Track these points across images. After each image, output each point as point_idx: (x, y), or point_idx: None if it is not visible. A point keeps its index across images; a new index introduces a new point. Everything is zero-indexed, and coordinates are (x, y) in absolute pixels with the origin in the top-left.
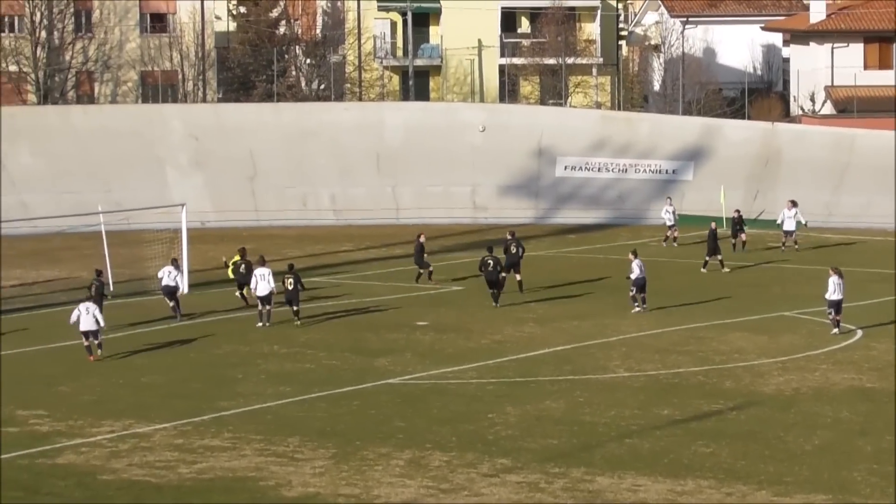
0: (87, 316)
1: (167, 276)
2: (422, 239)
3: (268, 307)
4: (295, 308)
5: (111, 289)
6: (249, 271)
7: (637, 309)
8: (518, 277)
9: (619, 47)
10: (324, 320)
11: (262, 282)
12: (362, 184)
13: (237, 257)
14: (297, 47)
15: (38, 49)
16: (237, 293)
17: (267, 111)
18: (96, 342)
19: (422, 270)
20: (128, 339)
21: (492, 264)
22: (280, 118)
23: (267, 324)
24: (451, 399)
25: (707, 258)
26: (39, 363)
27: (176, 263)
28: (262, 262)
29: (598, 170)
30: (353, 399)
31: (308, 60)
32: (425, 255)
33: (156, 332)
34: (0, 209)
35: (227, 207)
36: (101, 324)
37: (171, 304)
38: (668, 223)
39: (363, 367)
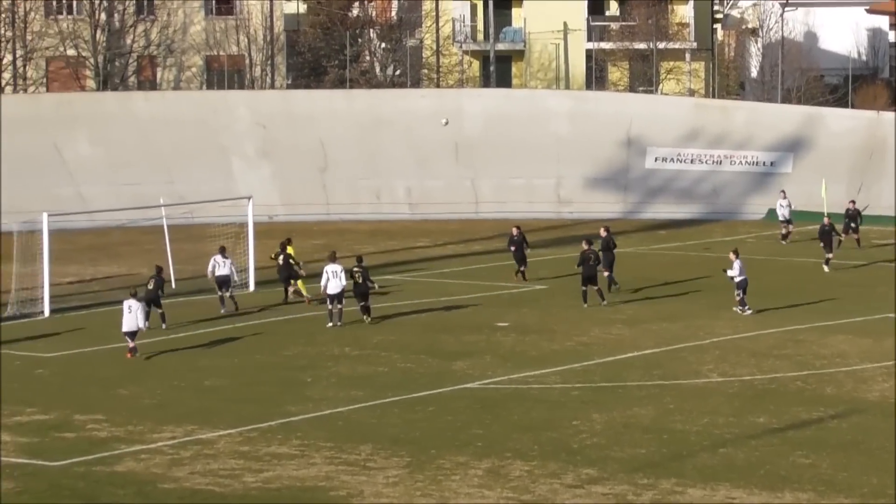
0: (129, 315)
1: (220, 266)
2: (514, 232)
3: (339, 306)
4: (364, 304)
5: (174, 286)
6: (288, 265)
7: (749, 311)
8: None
9: (713, 31)
10: (398, 321)
11: (334, 279)
12: (439, 176)
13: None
14: (371, 30)
15: (98, 32)
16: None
17: (339, 98)
18: (131, 344)
19: (522, 268)
20: (190, 339)
21: (592, 258)
22: (353, 106)
23: (338, 323)
24: (533, 405)
25: (828, 256)
26: (97, 365)
27: (224, 252)
28: (333, 259)
29: (691, 161)
30: (429, 404)
31: (383, 44)
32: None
33: (220, 332)
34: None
35: (297, 200)
36: (143, 325)
37: (227, 295)
38: (782, 219)
39: (440, 370)
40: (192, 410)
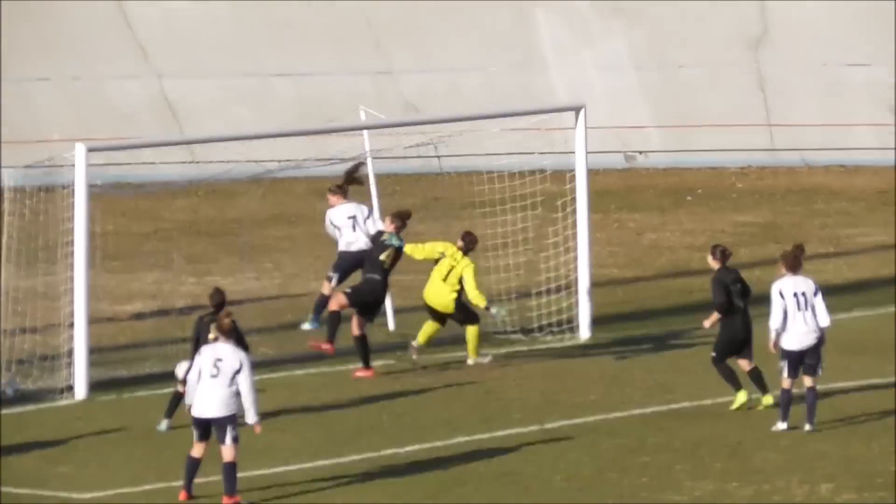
0: (211, 384)
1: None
2: None
3: (810, 381)
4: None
5: (391, 327)
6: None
7: None
8: None
9: None
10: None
11: (801, 314)
12: None
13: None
14: None
15: None
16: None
17: None
18: (228, 443)
19: None
20: (434, 450)
21: None
22: None
23: (808, 427)
24: None
25: None
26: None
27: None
28: (795, 266)
29: None
30: None
31: None
32: None
33: (505, 438)
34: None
35: (696, 114)
36: (249, 403)
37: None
38: None
39: None
40: None
